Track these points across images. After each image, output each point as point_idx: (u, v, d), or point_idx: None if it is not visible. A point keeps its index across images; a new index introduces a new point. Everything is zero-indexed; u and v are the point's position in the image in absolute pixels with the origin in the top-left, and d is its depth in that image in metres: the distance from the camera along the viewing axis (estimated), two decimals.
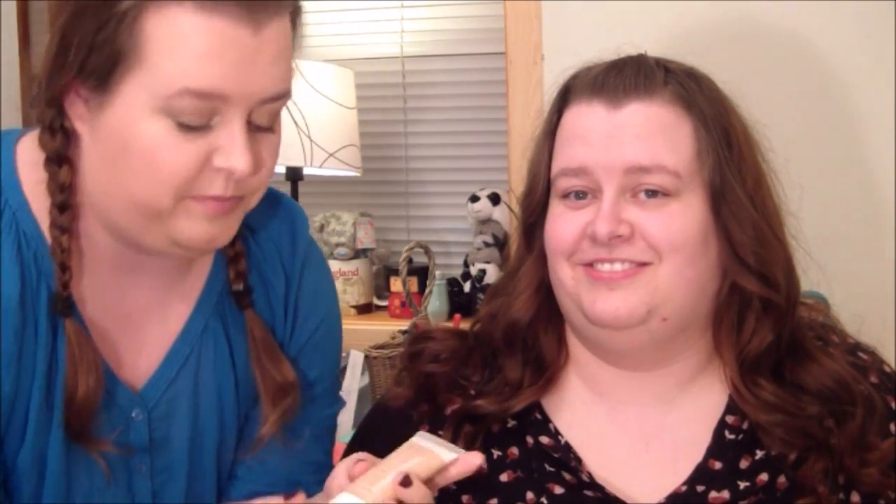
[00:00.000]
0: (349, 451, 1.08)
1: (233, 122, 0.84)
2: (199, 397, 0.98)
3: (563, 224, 0.95)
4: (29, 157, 0.90)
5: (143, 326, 0.95)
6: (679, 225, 0.92)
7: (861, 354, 1.01)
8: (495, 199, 2.22)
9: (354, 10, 2.43)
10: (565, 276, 0.95)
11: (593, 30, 1.91)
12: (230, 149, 0.84)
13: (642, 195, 0.92)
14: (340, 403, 1.12)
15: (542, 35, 1.97)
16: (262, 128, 0.89)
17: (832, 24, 1.79)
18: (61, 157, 0.87)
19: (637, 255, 0.92)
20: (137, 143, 0.83)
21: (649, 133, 0.92)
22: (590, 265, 0.93)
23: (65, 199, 0.87)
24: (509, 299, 1.02)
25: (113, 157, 0.85)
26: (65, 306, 0.89)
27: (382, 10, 2.41)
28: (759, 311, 0.95)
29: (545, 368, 1.00)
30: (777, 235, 0.96)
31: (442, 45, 2.39)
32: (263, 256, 1.01)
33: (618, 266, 0.92)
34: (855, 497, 0.94)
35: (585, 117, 0.95)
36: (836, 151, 1.81)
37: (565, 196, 0.95)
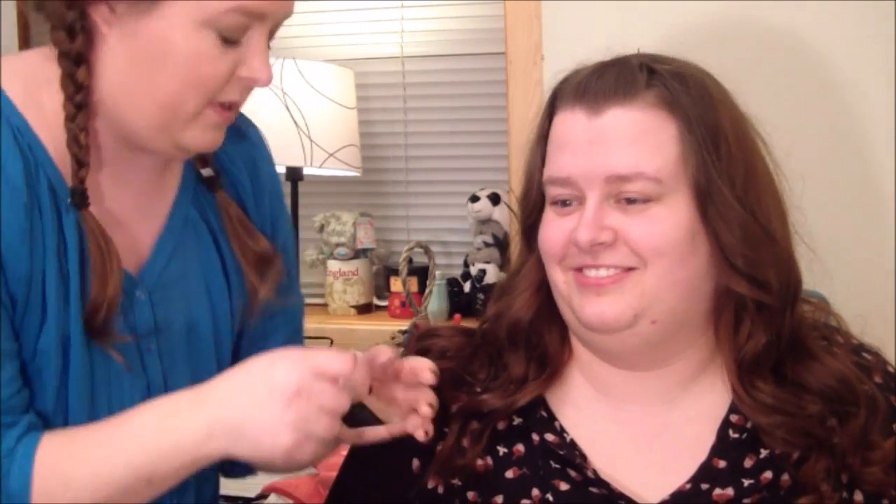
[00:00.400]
0: (356, 447, 1.08)
1: (262, 38, 0.94)
2: (189, 285, 1.03)
3: (552, 230, 0.96)
4: (11, 67, 0.94)
5: (130, 225, 0.99)
6: (662, 229, 0.92)
7: (865, 355, 1.01)
8: (495, 199, 2.22)
9: (354, 10, 2.43)
10: (558, 279, 0.97)
11: (593, 30, 1.91)
12: (257, 61, 0.94)
13: (625, 201, 0.93)
14: (302, 298, 1.20)
15: (542, 35, 1.97)
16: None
17: (832, 23, 1.79)
18: (81, 56, 0.90)
19: (621, 261, 0.92)
20: (180, 53, 0.89)
21: (630, 139, 0.92)
22: (579, 270, 0.94)
23: (82, 98, 0.91)
24: (512, 298, 1.03)
25: (147, 62, 0.90)
26: (83, 199, 0.92)
27: (382, 10, 2.41)
28: (754, 312, 0.95)
29: (549, 363, 1.00)
30: (770, 234, 0.95)
31: (442, 45, 2.38)
32: (230, 158, 1.09)
33: (603, 272, 0.93)
34: (858, 496, 0.95)
35: (569, 124, 0.95)
36: (836, 152, 1.81)
37: (554, 203, 0.97)
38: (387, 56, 2.43)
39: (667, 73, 0.95)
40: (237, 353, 1.09)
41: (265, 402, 0.85)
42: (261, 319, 1.09)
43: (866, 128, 1.80)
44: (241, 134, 1.11)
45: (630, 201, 0.92)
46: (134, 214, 1.00)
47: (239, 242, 1.05)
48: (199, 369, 1.00)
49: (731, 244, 0.92)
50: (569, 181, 0.94)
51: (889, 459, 0.94)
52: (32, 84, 0.93)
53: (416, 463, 1.00)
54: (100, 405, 0.95)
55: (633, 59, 0.97)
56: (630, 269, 0.92)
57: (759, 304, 0.94)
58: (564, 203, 0.95)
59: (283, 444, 0.85)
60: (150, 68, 0.90)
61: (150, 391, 0.98)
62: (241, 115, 1.07)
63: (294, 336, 1.15)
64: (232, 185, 1.08)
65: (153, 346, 0.99)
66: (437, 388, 1.01)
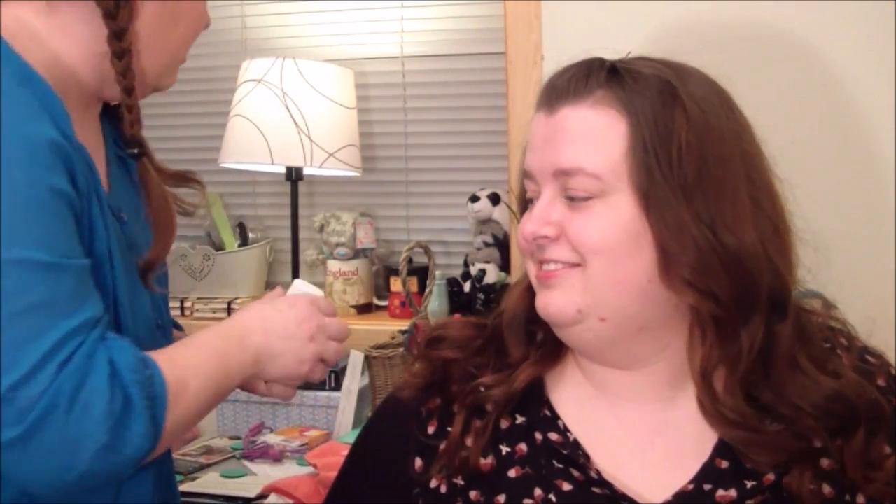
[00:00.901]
0: (357, 446, 1.08)
1: None
2: (134, 212, 1.12)
3: (521, 226, 0.99)
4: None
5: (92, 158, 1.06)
6: (598, 226, 0.92)
7: (869, 358, 1.00)
8: (495, 199, 2.22)
9: (354, 10, 2.43)
10: (532, 274, 1.00)
11: (593, 30, 1.91)
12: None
13: (570, 198, 0.94)
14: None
15: (542, 35, 1.97)
16: None
17: (832, 24, 1.79)
18: (124, 30, 1.01)
19: (564, 256, 0.94)
20: (190, 14, 1.08)
21: (575, 136, 0.94)
22: (541, 265, 0.97)
23: (127, 43, 1.01)
24: (509, 293, 1.06)
25: (169, 20, 1.05)
26: (142, 147, 1.08)
27: (382, 10, 2.41)
28: (710, 324, 0.94)
29: (552, 345, 1.02)
30: (724, 245, 0.91)
31: (442, 45, 2.38)
32: None
33: (552, 266, 0.96)
34: (860, 499, 0.94)
35: (535, 123, 0.99)
36: (836, 152, 1.81)
37: (529, 199, 1.00)
38: (387, 56, 2.43)
39: (629, 73, 0.94)
40: None
41: (296, 337, 1.07)
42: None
43: (867, 128, 1.80)
44: None
45: (572, 198, 0.94)
46: (93, 151, 1.07)
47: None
48: (138, 289, 1.09)
49: (676, 252, 0.91)
50: (530, 175, 0.98)
51: (890, 477, 0.93)
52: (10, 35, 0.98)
53: (418, 462, 1.00)
54: (139, 321, 1.05)
55: (599, 60, 0.97)
56: (574, 265, 0.94)
57: (713, 317, 0.93)
58: (531, 201, 0.99)
59: (305, 369, 1.09)
60: (170, 26, 1.05)
61: (153, 303, 1.10)
62: None
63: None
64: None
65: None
66: (444, 381, 1.02)
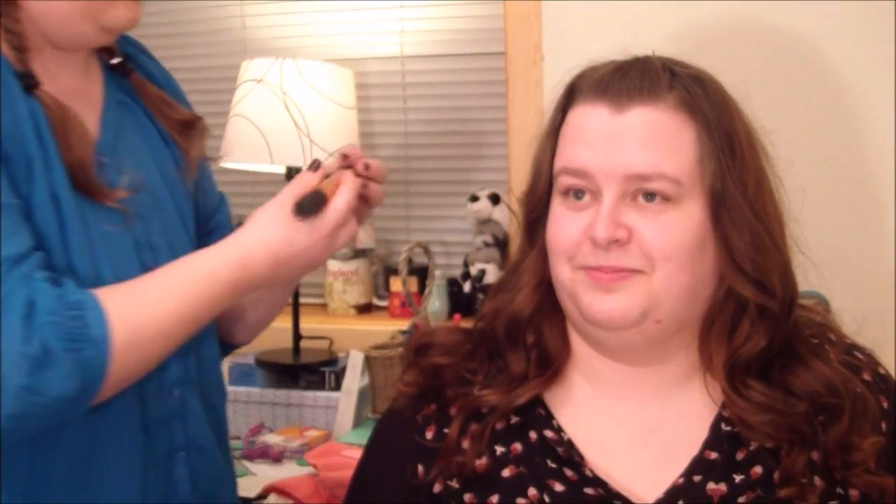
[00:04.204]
0: (362, 465, 1.08)
1: None
2: (138, 156, 1.13)
3: (565, 226, 0.96)
4: None
5: (74, 106, 1.05)
6: (674, 233, 0.92)
7: (857, 354, 1.02)
8: (495, 199, 2.22)
9: (354, 10, 2.43)
10: (565, 276, 0.96)
11: (593, 30, 1.91)
12: None
13: (641, 198, 0.93)
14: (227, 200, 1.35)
15: (542, 35, 1.97)
16: None
17: (831, 24, 1.79)
18: None
19: (631, 263, 0.93)
20: None
21: (651, 139, 0.92)
22: (587, 268, 0.94)
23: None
24: (511, 294, 1.03)
25: None
26: (33, 80, 1.00)
27: (382, 10, 2.41)
28: (755, 316, 0.95)
29: (550, 362, 1.01)
30: (776, 242, 0.96)
31: (442, 45, 2.38)
32: (134, 52, 1.21)
33: (608, 269, 0.94)
34: (854, 491, 0.95)
35: (589, 118, 0.95)
36: (836, 152, 1.81)
37: (566, 194, 0.96)
38: (386, 56, 2.43)
39: (686, 76, 0.96)
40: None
41: (324, 246, 1.07)
42: (206, 213, 1.25)
43: (867, 128, 1.80)
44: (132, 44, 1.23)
45: (649, 197, 0.92)
46: (76, 95, 1.07)
47: (161, 114, 1.17)
48: (169, 228, 1.13)
49: (741, 249, 0.93)
50: (585, 173, 0.94)
51: (868, 461, 0.94)
52: None
53: (420, 468, 1.00)
54: (102, 265, 1.02)
55: (654, 61, 0.97)
56: (637, 270, 0.93)
57: (761, 310, 0.95)
58: (577, 195, 0.95)
59: (321, 261, 1.09)
60: None
61: (138, 248, 1.08)
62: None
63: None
64: (142, 69, 1.20)
65: (130, 207, 1.06)
66: (438, 387, 1.02)
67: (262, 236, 1.04)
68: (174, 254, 1.07)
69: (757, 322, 0.95)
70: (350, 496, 1.08)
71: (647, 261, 0.92)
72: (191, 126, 1.20)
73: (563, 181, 0.96)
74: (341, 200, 1.08)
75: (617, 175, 0.92)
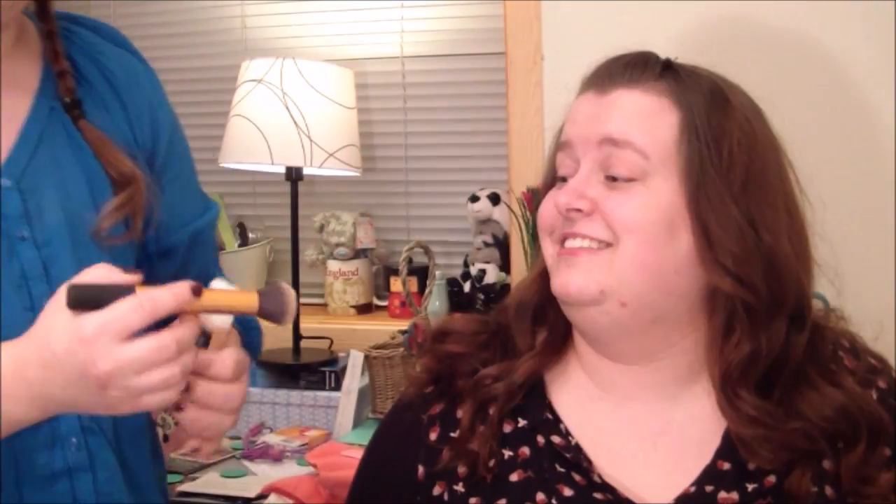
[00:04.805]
0: (365, 462, 1.08)
1: None
2: (63, 174, 1.01)
3: (547, 203, 0.99)
4: None
5: None
6: (637, 205, 0.93)
7: (871, 360, 1.01)
8: (495, 199, 2.22)
9: (354, 10, 2.43)
10: (548, 253, 0.99)
11: (593, 30, 1.91)
12: None
13: (610, 178, 0.95)
14: (215, 208, 1.20)
15: (542, 35, 1.96)
16: None
17: (831, 23, 1.79)
18: None
19: (595, 232, 0.94)
20: None
21: (626, 114, 0.95)
22: (563, 242, 0.96)
23: None
24: (520, 282, 1.06)
25: None
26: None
27: (382, 10, 2.42)
28: (743, 317, 0.94)
29: (553, 342, 1.02)
30: (766, 244, 0.94)
31: (442, 45, 2.39)
32: (98, 68, 1.08)
33: (578, 242, 0.95)
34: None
35: (578, 103, 1.00)
36: (836, 152, 1.81)
37: (559, 178, 0.99)
38: (387, 56, 2.43)
39: (683, 70, 0.98)
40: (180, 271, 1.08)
41: (83, 388, 0.81)
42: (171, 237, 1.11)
43: (867, 128, 1.80)
44: (119, 43, 1.12)
45: (613, 178, 0.94)
46: None
47: (103, 158, 1.03)
48: (87, 263, 0.88)
49: (720, 238, 0.93)
50: (568, 144, 0.98)
51: (886, 494, 0.93)
52: None
53: (421, 470, 1.00)
54: None
55: (654, 54, 1.00)
56: (606, 245, 0.94)
57: (747, 309, 0.94)
58: (564, 179, 0.98)
59: (120, 410, 0.84)
60: None
61: (26, 279, 0.97)
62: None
63: (208, 249, 1.20)
64: (98, 98, 1.07)
65: (26, 233, 0.98)
66: (450, 376, 1.02)
67: (40, 319, 0.84)
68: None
69: (744, 324, 0.94)
70: (353, 493, 1.08)
71: (610, 232, 0.93)
72: (127, 183, 1.03)
73: (556, 162, 1.00)
74: (148, 317, 0.81)
75: (592, 142, 0.96)
